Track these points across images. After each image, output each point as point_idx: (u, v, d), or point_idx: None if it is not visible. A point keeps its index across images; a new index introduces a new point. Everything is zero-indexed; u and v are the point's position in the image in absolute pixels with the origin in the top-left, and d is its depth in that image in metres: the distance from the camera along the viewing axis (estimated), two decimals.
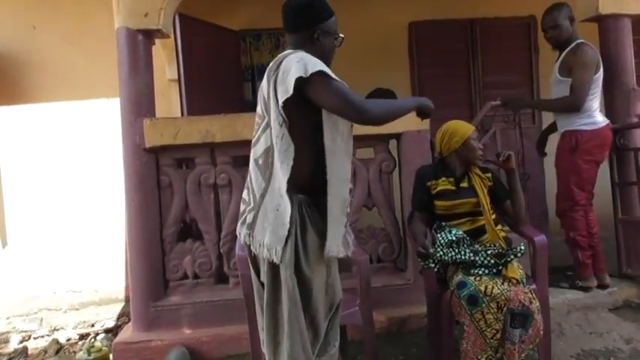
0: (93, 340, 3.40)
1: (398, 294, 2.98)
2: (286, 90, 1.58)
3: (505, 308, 2.05)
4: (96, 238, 4.22)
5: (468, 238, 2.31)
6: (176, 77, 3.97)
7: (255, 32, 4.81)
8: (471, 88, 4.99)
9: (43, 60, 4.51)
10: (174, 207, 3.01)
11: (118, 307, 4.00)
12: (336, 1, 4.93)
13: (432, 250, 2.25)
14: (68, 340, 3.61)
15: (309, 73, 1.56)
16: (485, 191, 2.41)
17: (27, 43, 4.51)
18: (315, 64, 1.60)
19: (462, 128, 2.43)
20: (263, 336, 1.76)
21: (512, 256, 2.17)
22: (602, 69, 3.07)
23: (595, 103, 3.06)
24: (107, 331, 3.69)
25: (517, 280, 2.12)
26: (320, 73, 1.59)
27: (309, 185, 1.68)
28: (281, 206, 1.64)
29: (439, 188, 2.43)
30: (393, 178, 3.16)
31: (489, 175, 2.48)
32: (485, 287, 2.08)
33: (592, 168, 3.07)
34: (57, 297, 4.12)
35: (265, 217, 1.67)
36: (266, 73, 1.72)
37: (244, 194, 1.80)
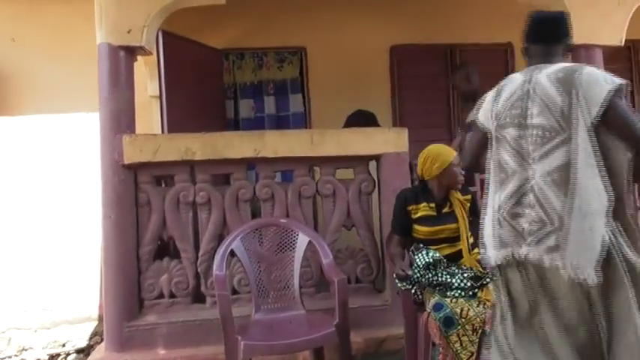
0: None
1: (375, 315, 2.98)
2: (599, 104, 1.58)
3: (480, 331, 2.07)
4: (70, 255, 4.13)
5: (444, 260, 2.33)
6: (157, 94, 3.96)
7: (238, 51, 4.85)
8: (450, 111, 5.08)
9: (22, 73, 4.46)
10: (151, 225, 2.98)
11: (91, 326, 3.91)
12: (322, 22, 5.05)
13: (410, 273, 2.26)
14: None
15: (614, 90, 1.59)
16: (466, 215, 2.44)
17: (5, 56, 4.46)
18: (614, 81, 1.61)
19: (443, 154, 2.42)
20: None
21: (488, 279, 2.20)
22: None
23: None
24: (79, 351, 3.60)
25: (492, 302, 2.14)
26: (618, 91, 1.60)
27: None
28: (593, 227, 1.55)
29: (420, 214, 2.44)
30: (373, 198, 3.19)
31: (469, 196, 2.51)
32: (461, 309, 2.10)
33: None
34: (27, 315, 4.01)
35: (577, 237, 1.56)
36: (552, 83, 1.67)
37: (534, 213, 1.65)
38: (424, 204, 2.45)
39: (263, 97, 4.85)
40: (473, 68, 3.59)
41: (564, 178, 1.61)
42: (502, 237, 1.72)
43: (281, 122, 4.85)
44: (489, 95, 1.92)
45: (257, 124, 4.81)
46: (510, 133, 1.75)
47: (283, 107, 4.89)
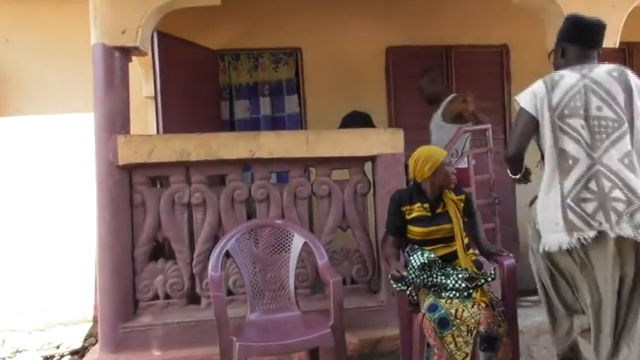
0: None
1: (371, 316, 2.98)
2: None
3: (475, 331, 2.07)
4: (65, 256, 4.12)
5: (439, 261, 2.34)
6: (153, 94, 3.95)
7: (234, 52, 4.84)
8: None
9: (16, 73, 4.44)
10: (146, 226, 2.97)
11: (85, 328, 3.90)
12: (316, 24, 5.05)
13: (405, 273, 2.26)
14: None
15: None
16: (460, 215, 2.44)
17: None
18: None
19: (434, 155, 2.44)
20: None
21: (482, 280, 2.21)
22: None
23: None
24: (73, 352, 3.59)
25: (487, 303, 2.15)
26: None
27: None
28: None
29: (414, 214, 2.45)
30: (368, 199, 3.19)
31: (463, 197, 2.52)
32: (456, 310, 2.10)
33: None
34: (21, 317, 3.99)
35: None
36: (613, 79, 1.95)
37: (619, 194, 1.84)
38: (418, 204, 2.45)
39: (259, 98, 4.85)
40: (437, 72, 3.95)
41: (632, 162, 1.87)
42: (573, 221, 1.88)
43: (276, 123, 4.85)
44: (539, 88, 2.05)
45: (252, 125, 4.80)
46: (573, 123, 1.94)
47: (279, 108, 4.88)
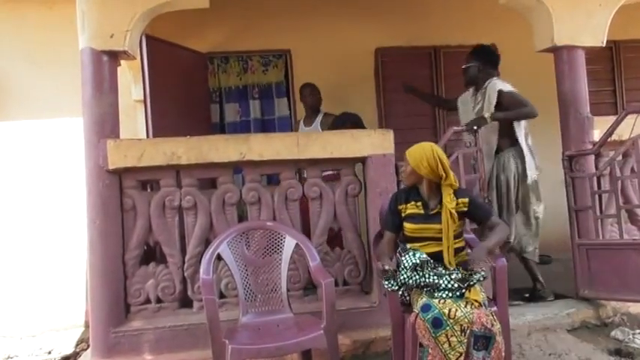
0: None
1: (363, 317, 2.98)
2: None
3: (468, 331, 2.08)
4: (56, 261, 4.09)
5: (431, 261, 2.34)
6: (142, 98, 3.93)
7: (223, 55, 4.84)
8: (434, 112, 5.12)
9: (4, 78, 4.40)
10: (137, 229, 2.96)
11: (77, 333, 3.87)
12: (306, 25, 5.05)
13: (390, 268, 2.26)
14: None
15: None
16: (455, 218, 2.39)
17: None
18: None
19: (409, 157, 2.45)
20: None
21: (475, 280, 2.21)
22: None
23: None
24: (65, 358, 3.55)
25: (479, 302, 2.16)
26: None
27: None
28: None
29: (408, 212, 2.45)
30: (359, 201, 3.20)
31: (466, 200, 2.47)
32: (449, 310, 2.10)
33: None
34: (12, 323, 3.96)
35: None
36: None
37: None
38: (412, 203, 2.46)
39: (248, 101, 4.85)
40: (315, 87, 4.35)
41: None
42: (536, 163, 3.44)
43: (267, 126, 4.85)
44: (512, 87, 3.44)
45: (243, 128, 4.80)
46: None
47: (269, 111, 4.89)
